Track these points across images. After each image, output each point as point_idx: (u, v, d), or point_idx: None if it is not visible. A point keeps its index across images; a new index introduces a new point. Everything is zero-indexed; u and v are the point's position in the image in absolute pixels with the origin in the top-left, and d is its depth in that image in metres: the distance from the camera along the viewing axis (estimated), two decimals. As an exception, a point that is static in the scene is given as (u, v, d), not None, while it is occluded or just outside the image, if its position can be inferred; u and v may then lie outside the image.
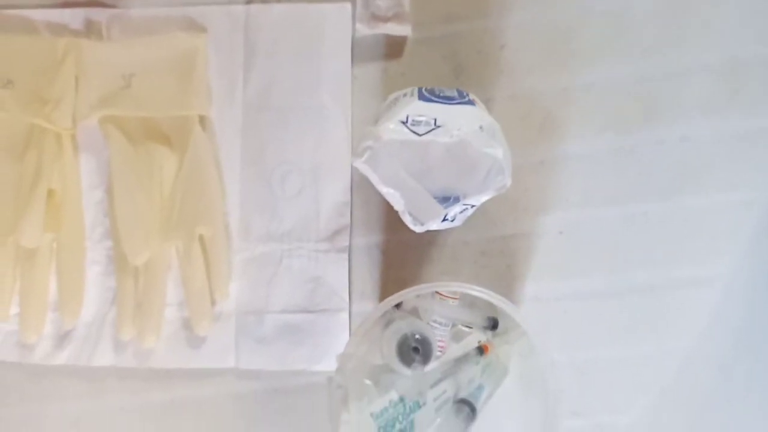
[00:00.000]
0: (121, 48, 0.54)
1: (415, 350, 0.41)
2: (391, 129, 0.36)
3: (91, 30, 0.54)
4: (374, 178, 0.39)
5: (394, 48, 0.54)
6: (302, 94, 0.54)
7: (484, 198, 0.39)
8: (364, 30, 0.52)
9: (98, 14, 0.54)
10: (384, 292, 0.54)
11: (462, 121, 0.37)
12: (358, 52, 0.54)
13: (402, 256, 0.54)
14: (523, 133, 0.52)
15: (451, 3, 0.53)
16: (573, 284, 0.53)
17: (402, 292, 0.38)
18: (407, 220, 0.40)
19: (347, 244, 0.53)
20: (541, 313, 0.53)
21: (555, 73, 0.53)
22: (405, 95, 0.42)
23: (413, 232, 0.45)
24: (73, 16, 0.54)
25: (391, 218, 0.54)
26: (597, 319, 0.53)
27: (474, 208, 0.40)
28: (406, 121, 0.36)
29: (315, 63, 0.54)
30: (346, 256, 0.53)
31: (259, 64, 0.54)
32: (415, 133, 0.36)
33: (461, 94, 0.42)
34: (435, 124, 0.36)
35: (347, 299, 0.53)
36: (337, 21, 0.53)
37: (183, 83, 0.53)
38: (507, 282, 0.53)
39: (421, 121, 0.36)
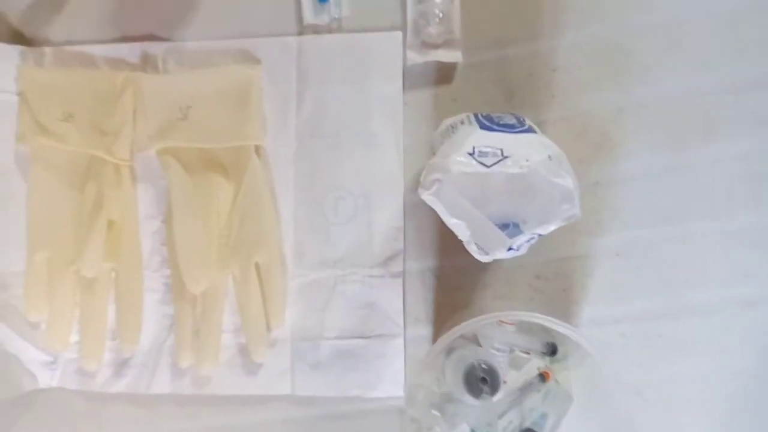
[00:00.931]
0: (178, 80, 0.55)
1: (483, 380, 0.41)
2: (459, 161, 0.36)
3: (147, 63, 0.56)
4: (441, 210, 0.39)
5: (444, 74, 0.54)
6: (354, 121, 0.55)
7: (552, 227, 0.39)
8: (415, 58, 0.53)
9: (155, 48, 0.56)
10: (438, 317, 0.54)
11: (529, 151, 0.37)
12: (409, 78, 0.54)
13: (455, 280, 0.54)
14: (577, 154, 0.52)
15: (502, 27, 0.54)
16: (631, 306, 0.53)
17: (469, 322, 0.38)
18: (472, 250, 0.40)
19: (401, 269, 0.53)
20: (599, 337, 0.52)
21: (609, 92, 0.53)
22: (462, 123, 0.42)
23: (467, 256, 0.45)
24: (130, 51, 0.56)
25: (444, 243, 0.54)
26: (655, 341, 0.52)
27: (540, 236, 0.39)
28: (473, 153, 0.36)
29: (366, 90, 0.54)
30: (400, 281, 0.53)
31: (311, 93, 0.55)
32: (483, 164, 0.36)
33: (520, 121, 0.42)
34: (502, 154, 0.36)
35: (402, 324, 0.53)
36: (388, 49, 0.54)
37: (239, 114, 0.54)
38: (563, 305, 0.53)
39: (488, 152, 0.36)
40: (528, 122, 0.44)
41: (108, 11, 0.56)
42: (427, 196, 0.38)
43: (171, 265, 0.55)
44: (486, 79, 0.54)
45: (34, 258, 0.54)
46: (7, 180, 0.56)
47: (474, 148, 0.36)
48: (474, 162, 0.36)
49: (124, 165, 0.55)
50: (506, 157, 0.36)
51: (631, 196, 0.53)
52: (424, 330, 0.54)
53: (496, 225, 0.42)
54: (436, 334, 0.54)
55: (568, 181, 0.37)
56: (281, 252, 0.55)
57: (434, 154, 0.46)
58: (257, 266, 0.54)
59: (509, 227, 0.42)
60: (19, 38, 0.57)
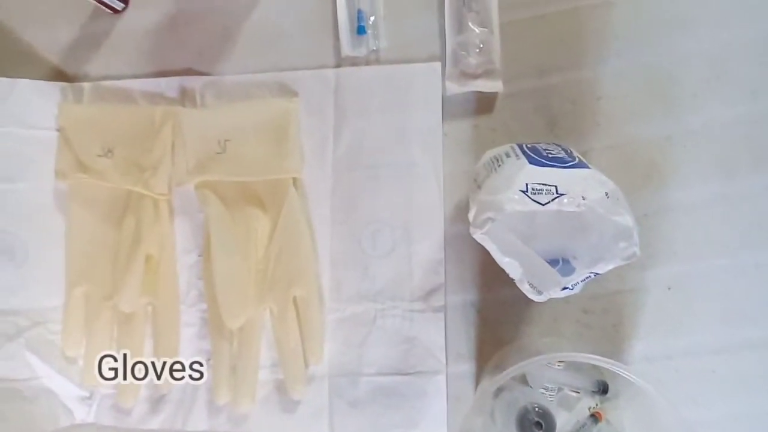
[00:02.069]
0: (216, 114, 0.55)
1: (537, 425, 0.39)
2: (513, 199, 0.34)
3: (186, 97, 0.56)
4: (493, 249, 0.37)
5: (484, 103, 0.53)
6: (392, 152, 0.54)
7: (610, 266, 0.37)
8: (454, 88, 0.52)
9: (193, 82, 0.56)
10: (481, 353, 0.52)
11: (585, 188, 0.35)
12: (448, 108, 0.53)
13: (499, 314, 0.52)
14: (624, 185, 0.49)
15: (543, 56, 0.53)
16: (684, 341, 0.50)
17: (522, 365, 0.36)
18: (525, 289, 0.38)
19: (443, 303, 0.52)
20: (652, 373, 0.50)
21: (656, 121, 0.52)
22: (508, 156, 0.41)
23: (510, 289, 0.44)
24: (168, 85, 0.56)
25: (486, 275, 0.52)
26: (711, 377, 0.50)
27: (596, 275, 0.38)
28: (527, 190, 0.35)
29: (405, 121, 0.54)
30: (442, 315, 0.52)
31: (348, 124, 0.54)
32: (537, 202, 0.34)
33: (569, 153, 0.41)
34: (557, 191, 0.35)
35: (444, 361, 0.51)
36: (427, 80, 0.53)
37: (277, 147, 0.53)
38: (614, 342, 0.51)
39: (542, 189, 0.35)
40: (576, 154, 0.42)
41: (146, 46, 0.57)
42: (479, 235, 0.36)
43: (208, 299, 0.54)
44: (527, 108, 0.53)
45: (73, 293, 0.54)
46: (45, 216, 0.55)
47: (527, 185, 0.35)
48: (528, 200, 0.34)
49: (163, 199, 0.55)
50: (561, 195, 0.35)
51: (681, 227, 0.51)
52: (467, 366, 0.52)
53: (546, 261, 0.40)
54: (479, 370, 0.52)
55: (628, 220, 0.35)
56: (319, 286, 0.54)
57: (478, 186, 0.44)
58: (295, 300, 0.53)
59: (559, 263, 0.40)
60: (58, 75, 0.57)
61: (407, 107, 0.54)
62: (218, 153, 0.54)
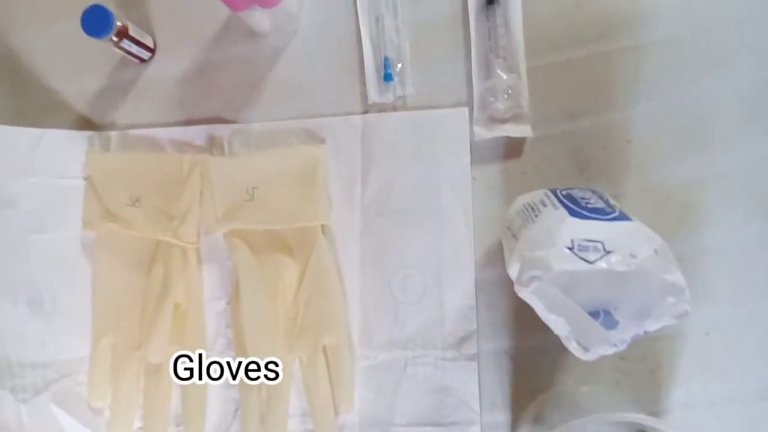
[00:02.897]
0: (244, 162, 0.55)
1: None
2: (560, 257, 0.34)
3: (214, 146, 0.56)
4: (539, 307, 0.37)
5: (513, 147, 0.53)
6: (421, 198, 0.53)
7: (660, 324, 0.36)
8: (483, 133, 0.51)
9: (220, 130, 0.56)
10: (516, 402, 0.51)
11: (633, 245, 0.34)
12: (477, 152, 0.53)
13: (533, 362, 0.51)
14: (659, 228, 0.48)
15: (573, 99, 0.52)
16: (725, 387, 0.49)
17: (572, 424, 0.35)
18: (572, 347, 0.38)
19: (476, 350, 0.51)
20: (693, 421, 0.49)
21: (689, 163, 0.51)
22: (544, 204, 0.41)
23: (545, 335, 0.43)
24: (196, 134, 0.56)
25: (519, 322, 0.51)
26: (754, 425, 0.49)
27: (647, 333, 0.37)
28: (573, 247, 0.34)
29: (433, 166, 0.53)
30: (475, 364, 0.51)
31: (376, 170, 0.54)
32: (585, 260, 0.34)
33: (606, 202, 0.40)
34: (604, 248, 0.34)
35: (478, 411, 0.50)
36: (455, 125, 0.53)
37: (305, 194, 0.53)
38: (652, 389, 0.49)
39: (588, 246, 0.34)
40: (614, 203, 0.42)
41: (173, 95, 0.57)
42: (525, 294, 0.36)
43: (236, 347, 0.53)
44: (557, 151, 0.52)
45: (99, 344, 0.54)
46: (73, 265, 0.55)
47: (572, 240, 0.34)
48: (576, 258, 0.34)
49: (191, 247, 0.54)
50: (609, 252, 0.34)
51: (719, 271, 0.50)
52: (502, 416, 0.51)
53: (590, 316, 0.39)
54: (515, 420, 0.51)
55: (679, 278, 0.34)
56: (349, 334, 0.53)
57: (513, 235, 0.44)
58: (324, 349, 0.52)
59: (600, 315, 0.39)
60: (86, 124, 0.58)
61: (435, 152, 0.53)
62: (246, 201, 0.53)
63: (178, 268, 0.54)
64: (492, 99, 0.51)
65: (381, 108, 0.54)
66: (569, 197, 0.42)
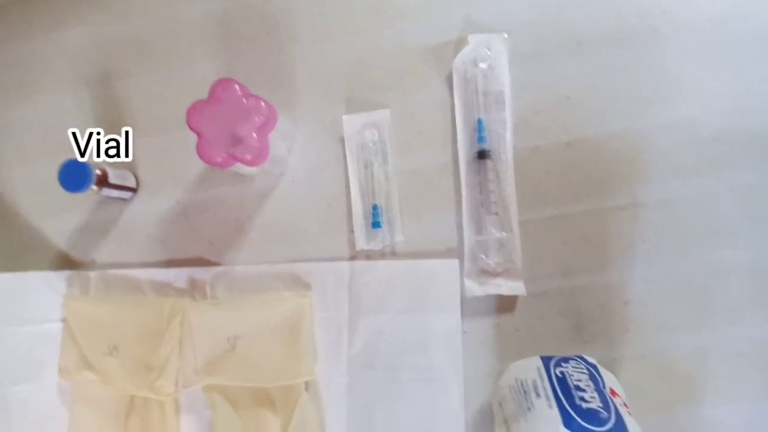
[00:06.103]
0: (226, 309, 0.52)
1: None
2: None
3: (195, 289, 0.54)
4: None
5: (506, 301, 0.50)
6: (410, 353, 0.51)
7: None
8: (474, 290, 0.49)
9: (202, 273, 0.54)
10: None
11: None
12: (468, 305, 0.50)
13: None
14: (659, 398, 0.47)
15: (568, 255, 0.50)
16: None
17: None
18: None
19: None
20: None
21: (691, 331, 0.48)
22: (538, 395, 0.38)
23: None
24: (177, 276, 0.54)
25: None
26: None
27: None
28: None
29: (422, 320, 0.51)
30: None
31: (364, 321, 0.52)
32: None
33: (604, 399, 0.38)
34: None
35: None
36: (445, 277, 0.51)
37: (289, 350, 0.51)
38: None
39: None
40: (610, 396, 0.39)
41: (156, 234, 0.55)
42: None
43: (214, 506, 0.51)
44: (552, 309, 0.50)
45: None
46: (49, 413, 0.53)
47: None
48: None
49: (169, 398, 0.52)
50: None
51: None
52: None
53: None
54: None
55: None
56: (333, 496, 0.50)
57: (504, 420, 0.41)
58: None
59: None
60: (65, 261, 0.56)
61: (425, 305, 0.51)
62: (227, 351, 0.51)
63: (155, 421, 0.52)
64: (483, 254, 0.49)
65: (369, 255, 0.52)
66: (563, 384, 0.40)
